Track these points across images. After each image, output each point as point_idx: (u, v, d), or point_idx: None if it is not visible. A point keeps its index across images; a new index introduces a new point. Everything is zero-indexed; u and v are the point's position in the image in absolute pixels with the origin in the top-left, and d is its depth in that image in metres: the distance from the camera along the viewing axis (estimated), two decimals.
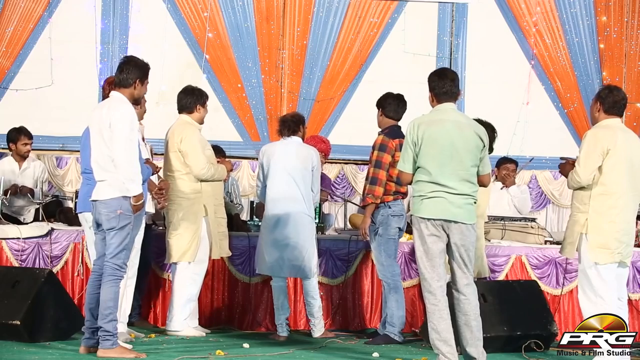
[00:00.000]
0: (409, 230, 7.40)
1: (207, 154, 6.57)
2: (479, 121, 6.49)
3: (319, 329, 6.71)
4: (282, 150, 6.64)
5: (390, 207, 6.41)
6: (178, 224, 6.48)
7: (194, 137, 6.50)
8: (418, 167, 5.12)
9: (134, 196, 5.34)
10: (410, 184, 5.25)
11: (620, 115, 5.57)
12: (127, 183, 5.32)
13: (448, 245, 5.10)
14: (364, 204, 6.48)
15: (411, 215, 5.17)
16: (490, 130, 6.56)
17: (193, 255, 6.48)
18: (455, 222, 5.05)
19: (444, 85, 5.19)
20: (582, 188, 5.46)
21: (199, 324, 6.77)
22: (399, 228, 6.50)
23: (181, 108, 6.63)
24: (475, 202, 5.17)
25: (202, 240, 6.53)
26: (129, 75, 5.47)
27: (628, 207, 5.45)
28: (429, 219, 5.04)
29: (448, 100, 5.20)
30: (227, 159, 7.44)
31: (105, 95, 5.90)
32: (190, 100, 6.61)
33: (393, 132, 6.46)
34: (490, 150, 6.61)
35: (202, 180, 6.51)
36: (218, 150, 7.40)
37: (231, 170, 7.26)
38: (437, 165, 5.04)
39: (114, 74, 5.67)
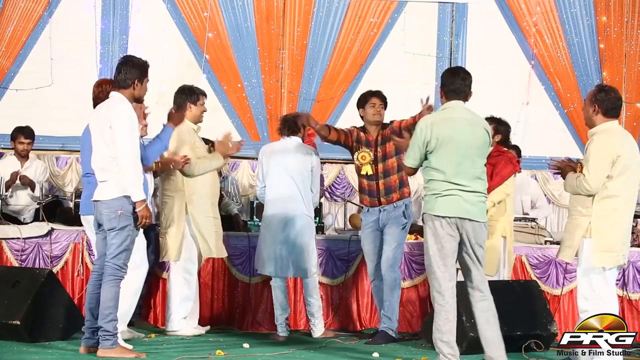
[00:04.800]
0: (410, 231, 7.43)
1: (197, 152, 6.50)
2: (492, 118, 6.54)
3: (319, 328, 6.71)
4: (281, 150, 6.64)
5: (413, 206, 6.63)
6: (164, 222, 6.53)
7: (180, 137, 6.42)
8: (431, 166, 5.11)
9: (137, 202, 5.34)
10: (411, 174, 5.41)
11: (618, 116, 5.54)
12: (131, 188, 5.32)
13: (461, 244, 5.09)
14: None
15: (423, 213, 5.17)
16: (504, 125, 6.63)
17: (176, 254, 6.47)
18: (470, 219, 5.05)
19: (454, 82, 5.18)
20: None
21: (199, 323, 6.78)
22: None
23: (175, 108, 6.61)
24: (486, 200, 5.18)
25: (186, 239, 6.52)
26: (128, 75, 5.47)
27: (628, 209, 5.43)
28: (443, 217, 5.03)
29: (457, 98, 5.19)
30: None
31: (94, 98, 5.88)
32: (181, 99, 6.59)
33: None
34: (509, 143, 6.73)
35: (197, 175, 6.48)
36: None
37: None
38: (451, 164, 5.05)
39: (113, 74, 5.65)
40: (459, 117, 5.13)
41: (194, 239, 6.54)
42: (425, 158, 5.14)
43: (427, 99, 6.20)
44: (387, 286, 6.49)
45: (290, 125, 6.69)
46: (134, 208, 5.37)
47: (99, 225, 5.48)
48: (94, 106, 5.81)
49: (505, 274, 6.67)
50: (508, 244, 6.66)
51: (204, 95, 6.71)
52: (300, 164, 6.59)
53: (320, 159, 6.86)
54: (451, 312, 5.04)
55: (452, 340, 5.03)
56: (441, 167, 5.07)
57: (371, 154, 6.56)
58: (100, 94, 5.82)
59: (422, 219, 5.20)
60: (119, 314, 5.46)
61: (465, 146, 5.07)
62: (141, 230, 5.80)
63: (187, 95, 6.60)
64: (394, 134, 6.44)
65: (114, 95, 5.50)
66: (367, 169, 6.56)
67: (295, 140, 6.67)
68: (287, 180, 6.57)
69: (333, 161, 9.77)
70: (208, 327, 6.83)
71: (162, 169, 6.36)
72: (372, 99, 6.60)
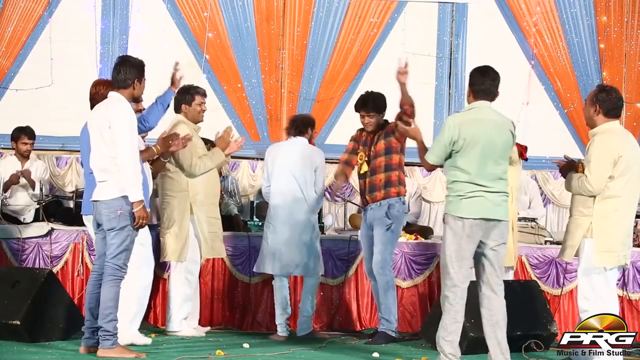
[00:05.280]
0: (409, 231, 7.44)
1: (200, 152, 6.52)
2: None
3: (304, 328, 6.70)
4: (286, 151, 6.68)
5: (404, 203, 6.55)
6: (166, 223, 6.51)
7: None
8: (456, 166, 5.11)
9: (134, 202, 5.34)
10: (431, 170, 5.48)
11: (619, 117, 5.54)
12: (129, 189, 5.32)
13: (482, 245, 5.10)
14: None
15: (445, 214, 5.19)
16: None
17: (178, 254, 6.47)
18: (495, 220, 5.07)
19: (484, 82, 5.19)
20: None
21: (199, 324, 6.79)
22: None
23: (174, 108, 6.62)
24: (507, 198, 5.20)
25: (190, 239, 6.52)
26: (127, 75, 5.48)
27: (630, 209, 5.43)
28: (467, 219, 5.04)
29: (485, 98, 5.20)
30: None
31: (90, 98, 5.90)
32: (176, 100, 6.58)
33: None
34: None
35: (199, 174, 6.47)
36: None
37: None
38: (476, 165, 5.06)
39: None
40: (486, 118, 5.14)
41: (197, 239, 6.54)
42: (449, 156, 5.15)
43: (406, 65, 6.19)
44: (380, 289, 6.52)
45: (298, 126, 6.73)
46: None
47: (98, 225, 5.49)
48: (91, 106, 5.82)
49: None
50: (514, 235, 6.67)
51: (201, 94, 6.64)
52: (305, 165, 6.62)
53: None
54: (459, 313, 5.06)
55: (455, 340, 5.05)
56: (466, 167, 5.07)
57: (366, 153, 6.59)
58: (95, 94, 5.86)
59: (443, 219, 5.20)
60: (133, 312, 5.51)
61: (491, 147, 5.08)
62: (147, 227, 5.82)
63: (183, 96, 6.59)
64: (387, 135, 6.46)
65: (113, 95, 5.50)
66: (364, 168, 6.62)
67: (301, 140, 6.71)
68: (291, 180, 6.60)
69: (333, 161, 9.75)
70: (208, 328, 6.84)
71: (163, 150, 6.22)
72: (360, 111, 6.62)
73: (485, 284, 5.13)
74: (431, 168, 5.34)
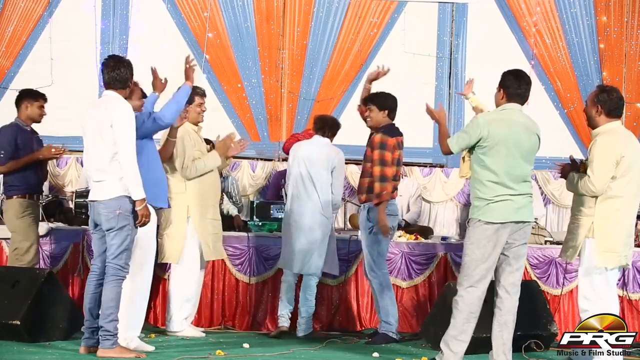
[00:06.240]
0: (410, 231, 7.43)
1: (196, 154, 6.51)
2: None
3: (304, 328, 6.71)
4: (305, 151, 6.78)
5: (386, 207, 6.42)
6: (164, 224, 6.50)
7: (181, 141, 6.43)
8: (484, 165, 5.13)
9: (137, 200, 5.34)
10: (447, 154, 5.43)
11: (621, 116, 5.55)
12: (132, 187, 5.32)
13: (505, 245, 5.14)
14: (377, 201, 6.34)
15: (469, 218, 5.19)
16: None
17: (177, 256, 6.46)
18: (522, 222, 5.14)
19: (520, 86, 5.30)
20: None
21: (199, 324, 6.79)
22: (392, 227, 6.50)
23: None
24: (532, 199, 5.25)
25: (188, 241, 6.50)
26: (128, 76, 5.49)
27: (631, 209, 5.44)
28: (494, 223, 5.07)
29: (518, 101, 5.31)
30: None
31: None
32: None
33: (392, 131, 6.48)
34: None
35: (193, 178, 6.47)
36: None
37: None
38: (504, 165, 5.11)
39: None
40: (516, 121, 5.22)
41: (195, 240, 6.53)
42: (472, 148, 5.19)
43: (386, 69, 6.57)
44: (375, 291, 6.57)
45: (331, 127, 6.85)
46: (133, 207, 5.37)
47: (96, 225, 5.48)
48: None
49: None
50: None
51: (200, 94, 6.64)
52: (321, 165, 6.69)
53: None
54: (474, 314, 5.12)
55: (467, 341, 5.08)
56: (493, 166, 5.11)
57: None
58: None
59: (468, 223, 5.22)
60: (127, 317, 5.50)
61: (518, 149, 5.14)
62: (154, 233, 5.81)
63: None
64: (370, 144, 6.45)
65: (111, 94, 5.49)
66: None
67: (323, 140, 6.81)
68: (307, 179, 6.68)
69: None
70: (202, 329, 6.83)
71: (172, 134, 6.30)
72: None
73: (499, 283, 5.18)
74: (448, 152, 5.35)
